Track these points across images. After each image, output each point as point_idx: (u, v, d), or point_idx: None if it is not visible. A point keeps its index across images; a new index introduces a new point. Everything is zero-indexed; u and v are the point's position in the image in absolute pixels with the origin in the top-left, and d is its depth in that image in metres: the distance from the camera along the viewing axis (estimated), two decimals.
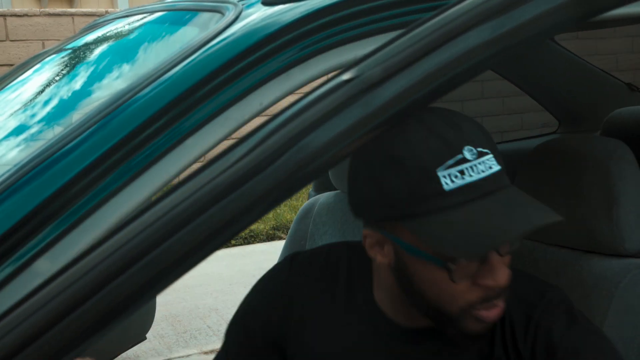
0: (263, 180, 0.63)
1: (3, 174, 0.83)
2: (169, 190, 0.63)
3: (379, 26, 0.91)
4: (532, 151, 1.33)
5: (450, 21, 0.73)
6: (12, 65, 6.22)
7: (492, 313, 0.94)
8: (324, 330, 1.10)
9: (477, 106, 4.49)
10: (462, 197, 0.87)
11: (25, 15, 6.45)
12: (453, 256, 0.89)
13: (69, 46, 1.42)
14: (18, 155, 0.97)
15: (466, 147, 0.88)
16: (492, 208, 0.87)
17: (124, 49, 1.25)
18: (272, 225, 6.01)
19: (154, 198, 0.64)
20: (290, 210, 6.26)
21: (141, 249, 0.60)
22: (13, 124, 1.16)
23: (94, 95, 1.11)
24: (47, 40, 6.50)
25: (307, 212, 2.11)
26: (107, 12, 6.65)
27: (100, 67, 1.23)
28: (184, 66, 0.87)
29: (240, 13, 0.94)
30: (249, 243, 5.75)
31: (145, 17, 1.28)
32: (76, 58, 1.36)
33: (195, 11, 1.08)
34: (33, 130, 1.09)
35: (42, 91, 1.26)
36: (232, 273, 4.87)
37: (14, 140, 1.08)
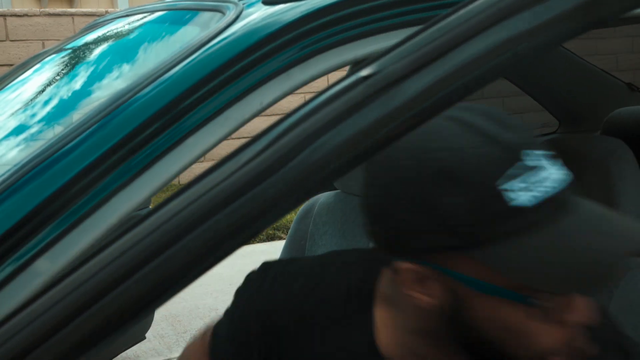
0: (274, 183, 0.59)
1: (3, 174, 0.83)
2: (174, 194, 0.59)
3: (379, 25, 0.91)
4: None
5: (484, 9, 0.65)
6: (12, 65, 6.22)
7: None
8: None
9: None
10: (543, 213, 0.72)
11: (25, 15, 6.46)
12: (542, 289, 0.72)
13: (69, 46, 1.42)
14: (18, 155, 0.97)
15: (525, 151, 0.74)
16: (582, 224, 0.73)
17: (124, 48, 1.25)
18: (272, 225, 6.01)
19: (157, 202, 0.62)
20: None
21: (144, 256, 0.56)
22: (13, 123, 1.16)
23: (94, 95, 1.11)
24: (47, 40, 6.50)
25: (307, 212, 2.11)
26: (107, 12, 6.64)
27: (101, 66, 1.23)
28: (184, 65, 0.87)
29: (240, 12, 0.94)
30: (249, 243, 5.73)
31: (145, 16, 1.28)
32: (76, 58, 1.36)
33: (196, 10, 1.08)
34: (33, 130, 1.09)
35: (42, 91, 1.26)
36: (232, 273, 4.86)
37: (14, 140, 1.08)
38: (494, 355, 0.78)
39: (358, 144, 0.61)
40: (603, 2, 0.65)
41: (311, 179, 0.59)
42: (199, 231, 0.56)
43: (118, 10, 1.47)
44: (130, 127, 0.83)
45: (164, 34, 1.18)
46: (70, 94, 1.18)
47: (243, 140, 0.60)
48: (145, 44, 1.20)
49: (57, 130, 0.98)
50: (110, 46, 1.31)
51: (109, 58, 1.26)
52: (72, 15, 6.68)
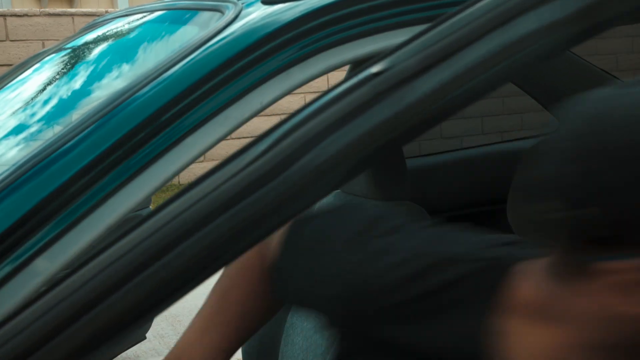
0: (276, 188, 0.55)
1: (2, 173, 0.83)
2: (172, 197, 0.56)
3: (379, 25, 0.91)
4: (531, 149, 1.33)
5: (504, 2, 0.61)
6: (12, 65, 6.22)
7: None
8: None
9: (477, 106, 4.48)
10: None
11: (25, 15, 6.46)
12: None
13: (69, 45, 1.42)
14: (17, 154, 0.97)
15: None
16: None
17: (124, 48, 1.25)
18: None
19: (157, 202, 0.60)
20: None
21: (139, 263, 0.54)
22: (12, 123, 1.16)
23: (94, 95, 1.11)
24: (47, 40, 6.50)
25: None
26: (107, 12, 6.65)
27: (100, 66, 1.23)
28: (184, 65, 0.87)
29: (240, 12, 0.94)
30: None
31: (145, 16, 1.28)
32: (76, 57, 1.36)
33: (195, 10, 1.08)
34: (33, 129, 1.09)
35: (41, 90, 1.25)
36: None
37: (13, 140, 1.07)
38: None
39: (366, 146, 0.57)
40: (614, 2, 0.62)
41: (316, 183, 0.56)
42: (198, 236, 0.54)
43: (118, 10, 1.47)
44: (129, 126, 0.83)
45: (163, 33, 1.18)
46: (69, 94, 1.18)
47: (243, 140, 0.58)
48: (145, 43, 1.20)
49: (57, 129, 0.98)
50: (109, 46, 1.31)
51: (108, 58, 1.25)
52: (72, 15, 6.68)
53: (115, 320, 0.52)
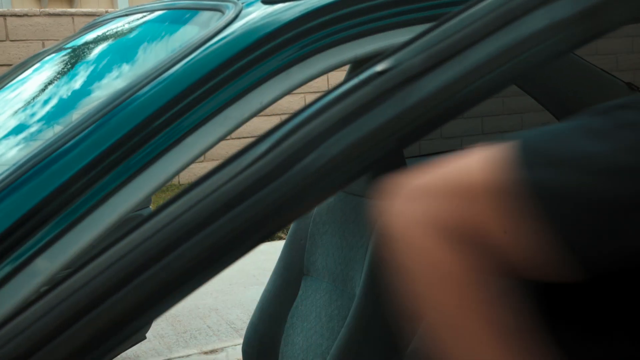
0: (278, 189, 0.53)
1: (2, 173, 0.83)
2: (173, 198, 0.55)
3: (379, 24, 0.91)
4: None
5: (508, 1, 0.59)
6: (12, 65, 6.22)
7: None
8: None
9: (477, 106, 4.48)
10: None
11: (25, 15, 6.45)
12: None
13: (69, 45, 1.42)
14: (18, 154, 0.97)
15: None
16: None
17: (124, 47, 1.25)
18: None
19: (157, 202, 0.60)
20: None
21: (139, 264, 0.53)
22: (13, 123, 1.16)
23: (94, 94, 1.11)
24: (47, 40, 6.50)
25: None
26: (107, 12, 6.64)
27: (100, 66, 1.23)
28: (184, 64, 0.87)
29: (240, 11, 0.94)
30: None
31: (145, 15, 1.28)
32: (76, 57, 1.36)
33: (195, 10, 1.08)
34: (33, 129, 1.09)
35: (41, 90, 1.25)
36: (232, 273, 4.86)
37: (13, 139, 1.07)
38: None
39: (370, 147, 0.55)
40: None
41: (319, 184, 0.54)
42: (199, 237, 0.53)
43: (118, 10, 1.46)
44: (129, 126, 0.82)
45: (163, 33, 1.17)
46: (70, 93, 1.18)
47: (243, 140, 0.57)
48: (145, 43, 1.20)
49: (57, 129, 0.98)
50: (109, 45, 1.31)
51: (108, 57, 1.25)
52: (72, 15, 6.68)
53: (115, 321, 0.52)
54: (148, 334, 3.31)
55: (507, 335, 0.59)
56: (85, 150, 0.81)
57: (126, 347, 3.12)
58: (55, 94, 1.21)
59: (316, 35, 0.89)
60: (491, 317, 0.58)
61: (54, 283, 0.53)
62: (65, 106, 1.12)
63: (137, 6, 1.34)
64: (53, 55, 1.40)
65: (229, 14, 0.95)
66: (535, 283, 0.64)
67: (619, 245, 0.57)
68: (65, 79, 1.25)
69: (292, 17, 0.89)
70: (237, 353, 3.62)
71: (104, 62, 1.25)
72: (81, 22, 6.58)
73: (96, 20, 1.48)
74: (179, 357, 3.74)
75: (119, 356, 3.38)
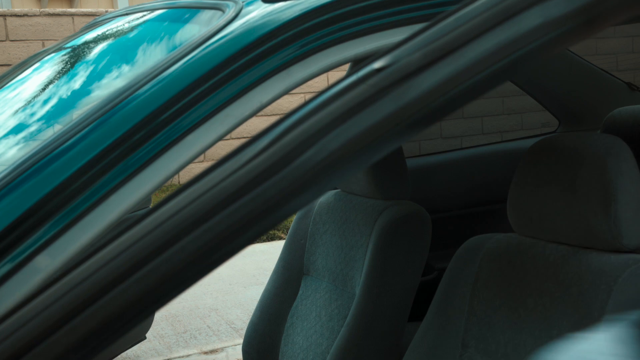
0: (277, 183, 0.55)
1: (3, 171, 0.83)
2: (173, 193, 0.56)
3: (380, 23, 0.91)
4: (531, 148, 1.34)
5: None
6: (12, 65, 6.22)
7: None
8: None
9: (477, 106, 4.49)
10: None
11: (25, 15, 6.45)
12: None
13: (69, 44, 1.42)
14: (19, 152, 0.97)
15: None
16: None
17: (124, 46, 1.25)
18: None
19: (156, 197, 0.60)
20: None
21: (141, 257, 0.54)
22: (14, 121, 1.16)
23: (94, 93, 1.11)
24: (47, 40, 6.50)
25: (307, 211, 2.11)
26: (107, 12, 6.65)
27: (101, 64, 1.23)
28: (184, 63, 0.87)
29: (240, 10, 0.94)
30: None
31: (145, 14, 1.28)
32: (76, 56, 1.36)
33: (196, 9, 1.08)
34: (34, 127, 1.09)
35: (42, 89, 1.26)
36: (232, 273, 4.87)
37: (14, 138, 1.08)
38: None
39: (369, 142, 0.57)
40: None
41: (318, 179, 0.56)
42: (199, 232, 0.54)
43: (118, 9, 1.47)
44: (129, 124, 0.83)
45: (163, 32, 1.18)
46: (70, 92, 1.18)
47: (243, 141, 0.57)
48: (145, 42, 1.20)
49: (58, 127, 0.98)
50: (110, 44, 1.31)
51: (109, 56, 1.26)
52: (72, 15, 6.68)
53: (116, 315, 0.52)
54: (148, 334, 3.31)
55: None
56: (86, 148, 0.81)
57: (126, 347, 3.12)
58: (55, 92, 1.21)
59: (316, 34, 0.89)
60: None
61: (54, 277, 0.53)
62: (66, 105, 1.12)
63: (138, 5, 1.34)
64: (53, 54, 1.41)
65: (229, 12, 0.95)
66: None
67: None
68: (65, 77, 1.25)
69: (292, 16, 0.89)
70: (237, 353, 3.63)
71: (105, 60, 1.25)
72: (81, 22, 6.58)
73: (96, 19, 1.48)
74: (179, 357, 3.74)
75: (119, 356, 3.38)
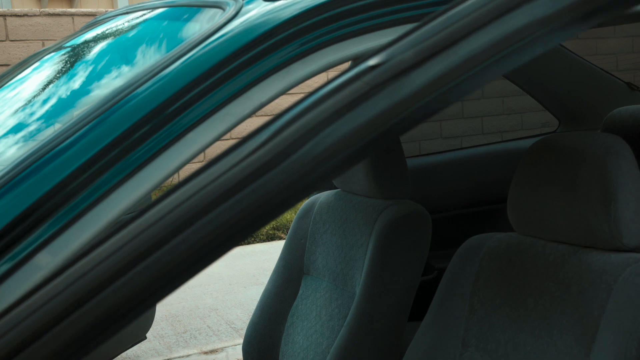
0: (275, 177, 0.56)
1: (3, 169, 0.83)
2: (174, 187, 0.57)
3: (379, 22, 0.91)
4: (531, 148, 1.34)
5: None
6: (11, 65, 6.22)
7: None
8: None
9: (477, 106, 4.50)
10: None
11: (25, 15, 6.46)
12: None
13: (69, 43, 1.42)
14: (19, 150, 0.97)
15: None
16: None
17: (125, 45, 1.25)
18: (272, 225, 6.01)
19: (156, 196, 0.61)
20: (290, 210, 6.27)
21: (141, 251, 0.55)
22: (14, 120, 1.16)
23: (94, 92, 1.11)
24: (47, 40, 6.50)
25: (308, 211, 2.11)
26: (106, 12, 6.64)
27: (101, 63, 1.23)
28: (184, 62, 0.87)
29: (240, 8, 0.94)
30: (248, 243, 5.75)
31: (145, 13, 1.28)
32: (76, 55, 1.36)
33: (196, 7, 1.08)
34: (34, 126, 1.09)
35: (42, 88, 1.26)
36: (232, 273, 4.87)
37: (14, 136, 1.08)
38: None
39: (363, 137, 0.58)
40: None
41: (314, 173, 0.57)
42: (198, 225, 0.55)
43: (118, 9, 1.47)
44: (129, 122, 0.83)
45: (163, 30, 1.18)
46: (70, 91, 1.18)
47: None
48: (145, 40, 1.20)
49: (58, 126, 0.98)
50: (110, 43, 1.31)
51: (109, 55, 1.26)
52: (72, 15, 6.68)
53: (117, 308, 0.53)
54: (148, 334, 3.31)
55: None
56: (87, 146, 0.81)
57: (126, 347, 3.12)
58: (55, 91, 1.21)
59: (316, 32, 0.89)
60: None
61: (55, 271, 0.53)
62: (66, 103, 1.12)
63: (138, 4, 1.34)
64: (53, 53, 1.41)
65: (230, 11, 0.95)
66: None
67: None
68: (65, 76, 1.25)
69: (292, 14, 0.89)
70: (237, 353, 3.63)
71: (105, 59, 1.25)
72: (81, 22, 6.58)
73: (97, 18, 1.48)
74: (179, 357, 3.74)
75: (119, 356, 3.38)
